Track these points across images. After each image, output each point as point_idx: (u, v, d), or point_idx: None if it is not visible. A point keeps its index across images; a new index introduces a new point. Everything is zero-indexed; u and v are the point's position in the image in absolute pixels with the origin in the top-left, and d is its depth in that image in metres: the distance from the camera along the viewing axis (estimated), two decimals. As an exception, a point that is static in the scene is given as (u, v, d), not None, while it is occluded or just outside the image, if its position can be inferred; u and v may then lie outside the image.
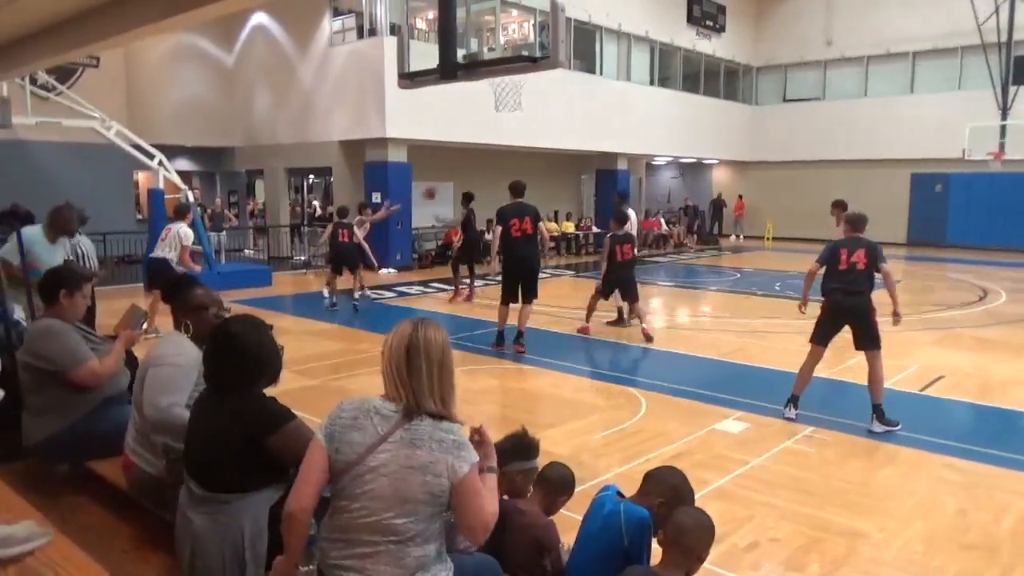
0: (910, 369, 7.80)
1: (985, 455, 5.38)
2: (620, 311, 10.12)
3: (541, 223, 8.87)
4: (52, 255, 5.82)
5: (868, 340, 6.02)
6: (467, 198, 12.64)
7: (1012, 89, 20.70)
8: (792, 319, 10.95)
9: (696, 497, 4.35)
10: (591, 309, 9.84)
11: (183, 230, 9.06)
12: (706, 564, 3.21)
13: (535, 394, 7.05)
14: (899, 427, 5.88)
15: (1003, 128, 20.04)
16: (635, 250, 10.03)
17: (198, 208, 14.95)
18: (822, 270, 6.24)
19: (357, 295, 11.46)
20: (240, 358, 2.63)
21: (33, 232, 5.86)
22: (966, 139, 19.98)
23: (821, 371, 7.82)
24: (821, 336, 6.23)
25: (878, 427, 5.90)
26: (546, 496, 3.09)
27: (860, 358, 8.36)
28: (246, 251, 19.88)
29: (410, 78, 7.45)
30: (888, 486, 4.85)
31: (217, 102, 19.39)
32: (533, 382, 7.41)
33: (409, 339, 2.24)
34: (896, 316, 6.13)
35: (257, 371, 2.67)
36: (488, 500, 2.24)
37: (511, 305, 8.62)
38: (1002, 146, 19.62)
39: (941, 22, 22.19)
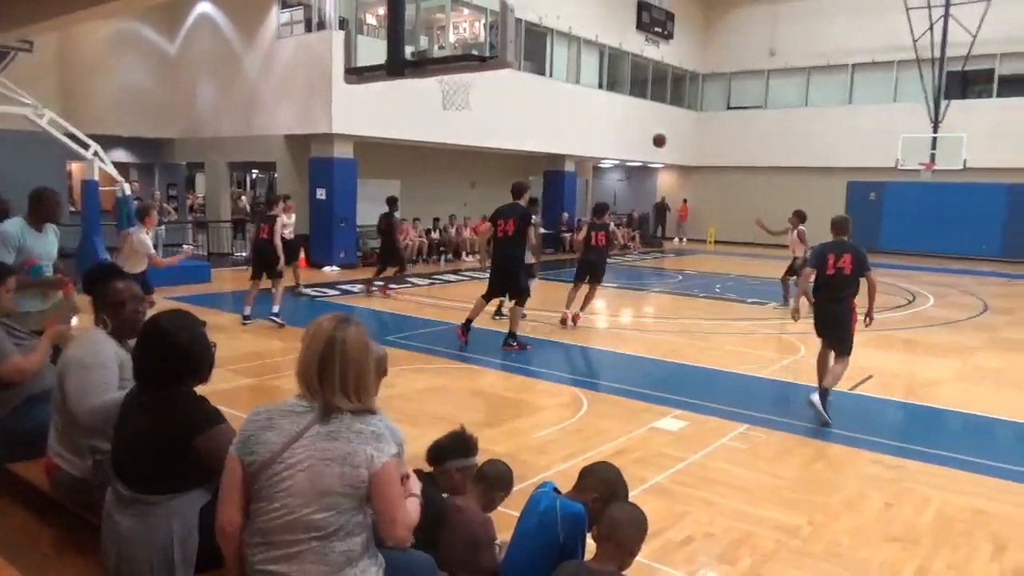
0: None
1: (910, 451, 5.60)
2: (500, 305, 10.36)
3: (531, 226, 8.89)
4: (46, 245, 5.19)
5: (841, 347, 6.37)
6: (390, 202, 12.66)
7: (943, 103, 21.57)
8: (731, 319, 11.24)
9: (634, 494, 4.44)
10: (571, 299, 10.23)
11: (139, 237, 7.62)
12: (642, 558, 3.28)
13: (478, 393, 7.05)
14: (827, 412, 6.12)
15: (934, 140, 20.86)
16: (608, 240, 10.67)
17: (135, 202, 14.51)
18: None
19: (276, 309, 9.64)
20: (170, 355, 2.56)
21: (16, 225, 5.09)
22: (900, 149, 20.78)
23: (757, 371, 8.06)
24: (820, 333, 6.57)
25: (814, 398, 6.14)
26: (484, 493, 3.11)
27: (796, 359, 8.63)
28: (185, 246, 19.37)
29: (357, 73, 7.38)
30: (818, 481, 5.01)
31: (158, 92, 18.84)
32: (476, 381, 7.41)
33: (327, 339, 2.21)
34: (869, 318, 6.47)
35: (187, 369, 2.60)
36: (410, 505, 2.27)
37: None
38: (933, 157, 20.43)
39: (879, 37, 22.99)
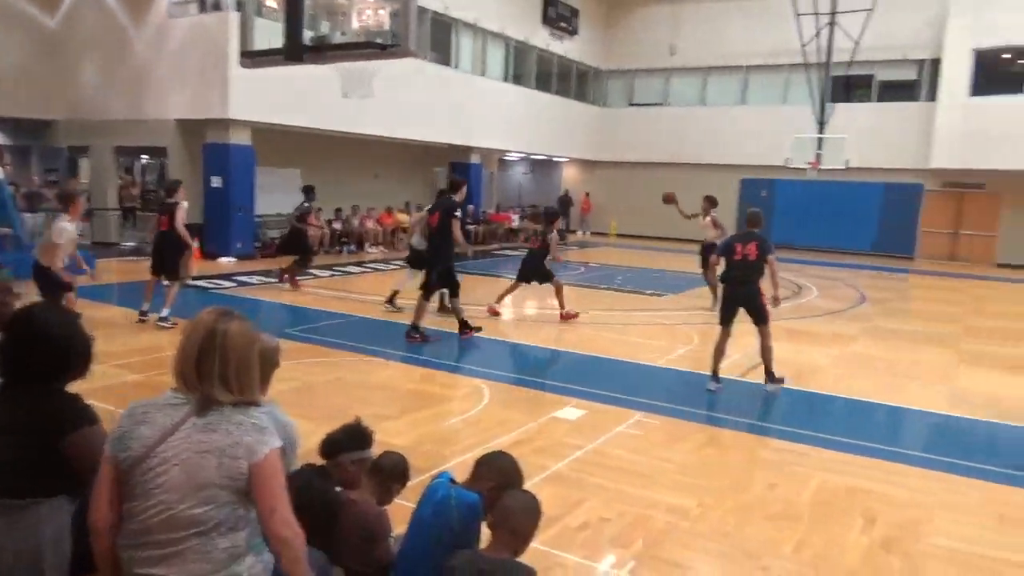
0: (731, 358, 8.38)
1: (792, 434, 5.92)
2: (393, 295, 10.41)
3: (453, 219, 8.60)
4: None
5: (760, 318, 7.00)
6: (307, 191, 12.55)
7: (829, 105, 22.82)
8: (629, 311, 11.55)
9: (533, 482, 4.51)
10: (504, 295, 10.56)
11: (59, 226, 7.12)
12: (539, 545, 3.33)
13: (378, 386, 6.97)
14: (783, 383, 7.09)
15: (820, 140, 22.05)
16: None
17: (10, 187, 13.54)
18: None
19: (165, 312, 8.86)
20: (43, 349, 2.40)
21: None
22: (788, 149, 21.86)
23: (653, 359, 8.32)
24: (724, 319, 7.12)
25: (770, 387, 7.04)
26: (380, 485, 3.08)
27: (690, 348, 8.95)
28: (86, 270, 18.18)
29: (253, 57, 7.13)
30: (708, 465, 5.23)
31: (36, 70, 17.54)
32: (377, 374, 7.32)
33: (207, 331, 2.15)
34: (776, 300, 7.20)
35: (62, 364, 2.44)
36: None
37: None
38: (819, 157, 21.60)
39: (771, 40, 24.08)
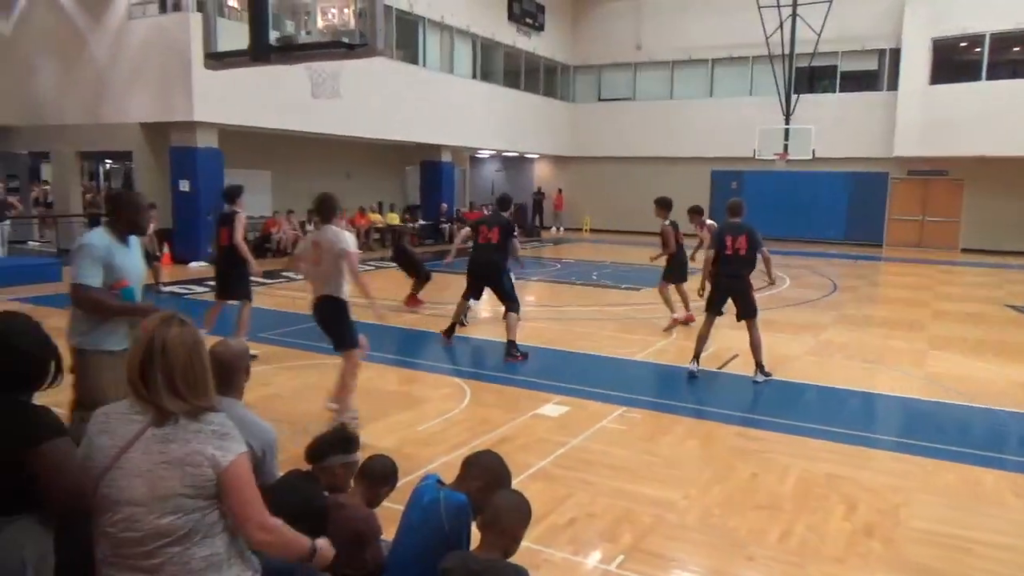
0: (710, 349, 8.46)
1: (772, 423, 5.98)
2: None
3: (513, 236, 8.68)
4: (135, 262, 4.08)
5: (747, 312, 7.14)
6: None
7: (794, 97, 23.10)
8: (606, 305, 11.59)
9: (518, 480, 4.50)
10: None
11: None
12: (527, 543, 3.32)
13: (359, 388, 6.89)
14: (772, 376, 7.24)
15: (787, 131, 22.30)
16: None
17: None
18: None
19: (242, 337, 7.49)
20: (6, 359, 2.33)
21: (101, 237, 3.94)
22: (756, 140, 22.10)
23: (633, 353, 8.35)
24: (713, 306, 7.26)
25: (760, 378, 7.16)
26: (368, 488, 3.06)
27: (669, 341, 9.00)
28: (30, 243, 17.82)
29: (218, 59, 7.00)
30: (691, 457, 5.26)
31: (-10, 75, 17.16)
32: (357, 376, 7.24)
33: (147, 341, 2.11)
34: (771, 283, 7.69)
35: (27, 375, 2.38)
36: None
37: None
38: (786, 147, 21.86)
39: (735, 33, 24.29)
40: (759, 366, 7.22)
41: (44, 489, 2.26)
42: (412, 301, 10.87)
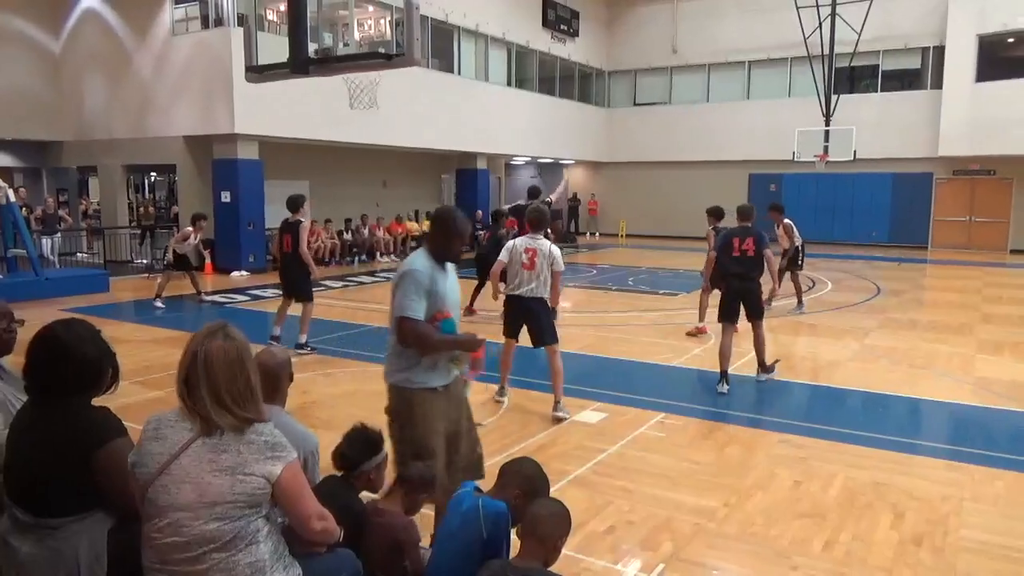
0: (749, 355, 8.34)
1: (815, 430, 5.87)
2: None
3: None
4: (455, 289, 3.66)
5: (755, 313, 7.13)
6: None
7: (833, 97, 22.70)
8: (644, 311, 11.51)
9: (557, 487, 4.49)
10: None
11: None
12: (567, 551, 3.31)
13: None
14: (775, 372, 7.27)
15: (827, 133, 21.91)
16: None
17: (21, 208, 13.64)
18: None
19: (303, 339, 8.45)
20: (69, 364, 2.41)
21: (424, 263, 3.49)
22: (795, 142, 21.76)
23: (671, 359, 8.27)
24: (726, 315, 7.08)
25: (763, 377, 7.21)
26: (407, 495, 3.07)
27: (706, 347, 8.90)
28: (79, 255, 18.33)
29: (259, 72, 7.16)
30: (731, 464, 5.18)
31: (42, 92, 17.72)
32: (395, 382, 7.30)
33: (191, 355, 2.15)
34: (773, 293, 7.72)
35: (88, 379, 2.46)
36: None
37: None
38: (826, 149, 21.46)
39: (772, 35, 24.00)
40: (762, 363, 7.25)
41: (105, 489, 2.34)
42: (470, 310, 10.63)
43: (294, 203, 8.39)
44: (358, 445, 3.05)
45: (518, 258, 6.17)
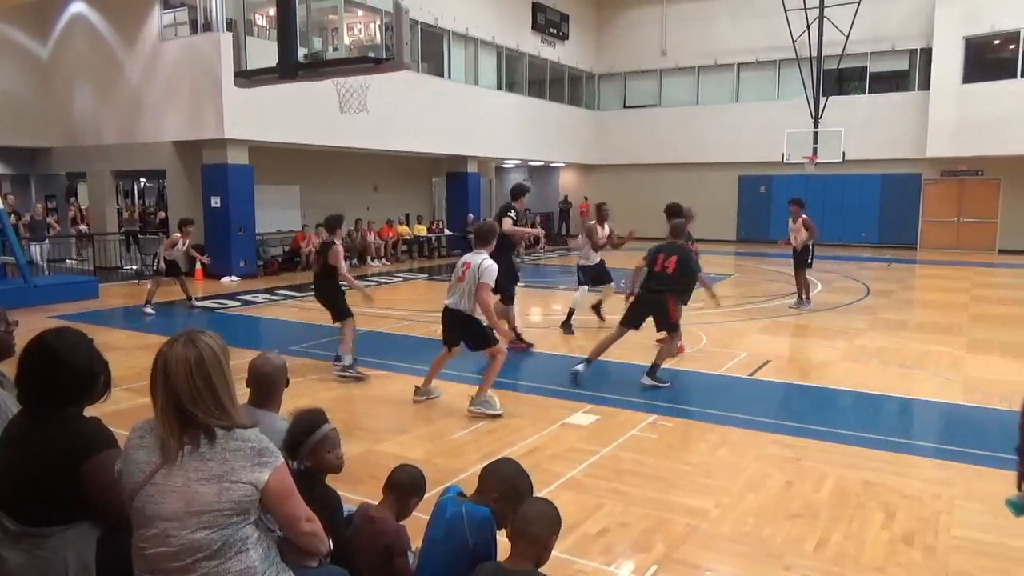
0: (740, 356, 8.39)
1: (806, 430, 5.88)
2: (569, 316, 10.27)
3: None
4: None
5: (667, 326, 7.27)
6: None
7: (823, 99, 22.83)
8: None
9: (549, 489, 4.49)
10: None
11: None
12: (560, 553, 3.30)
13: (387, 400, 6.94)
14: (668, 385, 7.04)
15: (815, 134, 22.04)
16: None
17: (10, 215, 13.56)
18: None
19: (349, 360, 7.72)
20: (60, 374, 2.39)
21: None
22: (785, 144, 21.86)
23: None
24: (628, 320, 7.34)
25: (647, 381, 7.05)
26: (397, 500, 3.04)
27: (698, 348, 8.92)
28: (68, 261, 18.22)
29: (248, 76, 7.14)
30: (723, 465, 5.19)
31: (30, 98, 17.62)
32: (386, 388, 7.30)
33: (159, 365, 2.13)
34: (715, 300, 7.99)
35: (81, 387, 2.43)
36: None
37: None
38: (815, 151, 21.59)
39: (761, 37, 24.13)
40: (654, 368, 7.12)
41: (95, 500, 2.32)
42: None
43: (328, 224, 8.21)
44: (299, 426, 2.86)
45: (456, 271, 6.33)
